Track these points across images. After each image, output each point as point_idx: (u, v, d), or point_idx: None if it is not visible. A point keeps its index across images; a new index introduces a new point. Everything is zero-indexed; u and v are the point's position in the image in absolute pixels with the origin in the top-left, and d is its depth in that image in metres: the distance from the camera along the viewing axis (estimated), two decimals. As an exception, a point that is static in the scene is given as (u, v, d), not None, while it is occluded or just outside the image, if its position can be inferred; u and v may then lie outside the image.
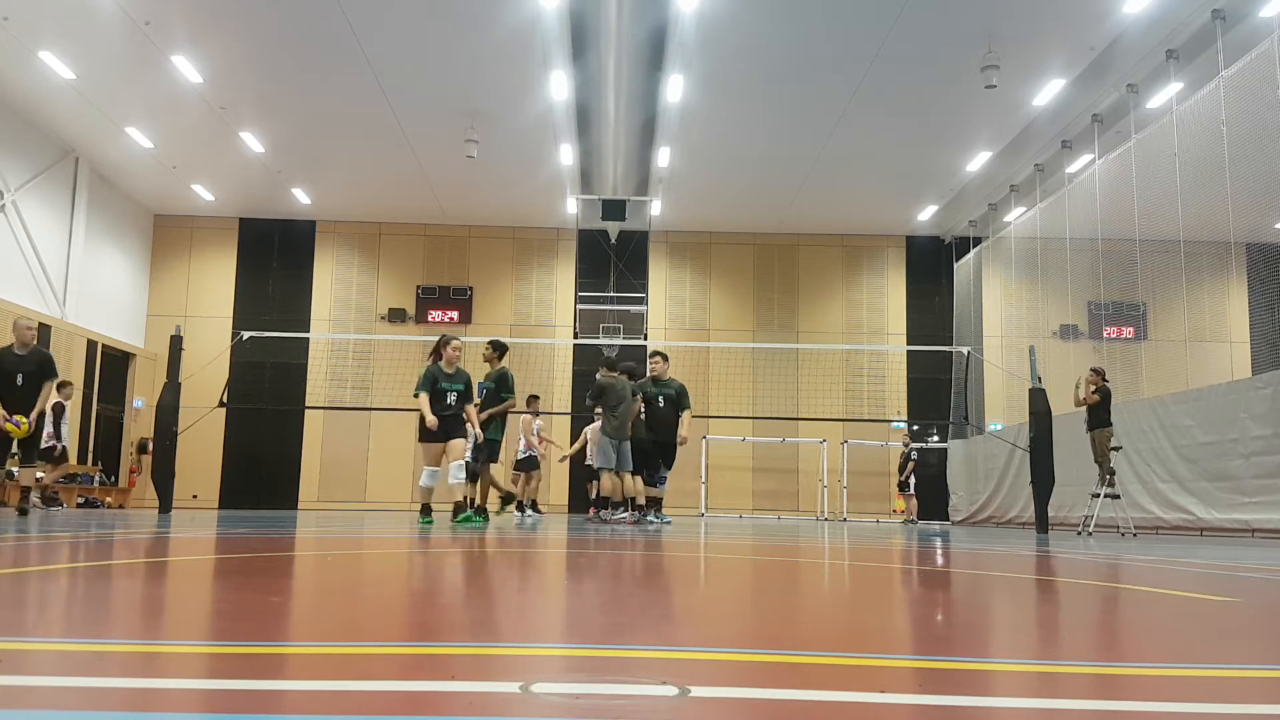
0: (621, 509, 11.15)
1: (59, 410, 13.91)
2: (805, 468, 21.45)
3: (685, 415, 11.20)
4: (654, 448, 11.16)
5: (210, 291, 21.82)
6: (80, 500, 17.91)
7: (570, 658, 1.67)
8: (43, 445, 14.27)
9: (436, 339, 9.57)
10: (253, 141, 17.71)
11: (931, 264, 22.06)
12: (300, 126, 17.38)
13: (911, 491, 18.30)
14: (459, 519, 9.26)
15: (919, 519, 18.61)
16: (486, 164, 17.80)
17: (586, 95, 15.57)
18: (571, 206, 20.27)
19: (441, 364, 9.32)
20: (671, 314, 21.90)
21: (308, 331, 21.02)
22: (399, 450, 20.60)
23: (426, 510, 9.53)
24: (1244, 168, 11.67)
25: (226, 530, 7.20)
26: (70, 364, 18.71)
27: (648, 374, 11.63)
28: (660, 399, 11.22)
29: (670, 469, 11.40)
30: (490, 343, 10.52)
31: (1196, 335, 15.60)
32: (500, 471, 12.75)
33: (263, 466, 21.19)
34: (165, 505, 12.12)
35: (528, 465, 14.50)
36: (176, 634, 1.98)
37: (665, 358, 11.54)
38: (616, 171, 18.47)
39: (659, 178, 18.80)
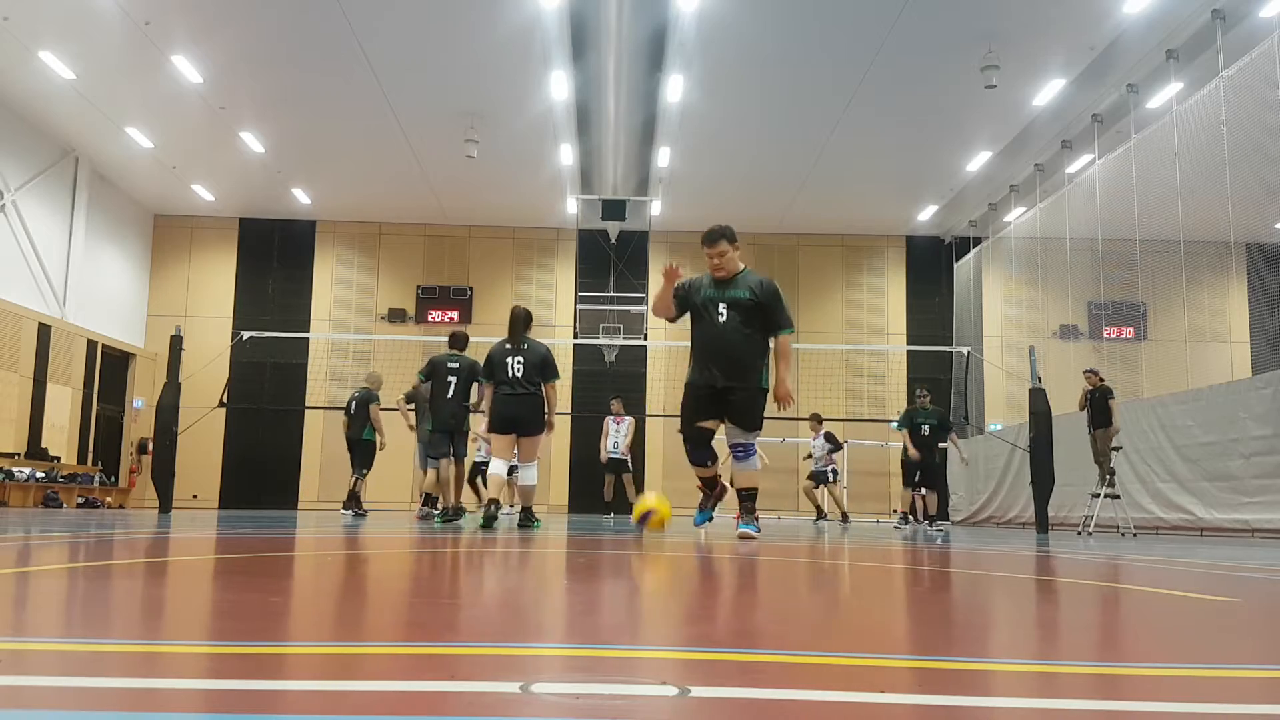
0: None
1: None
2: (805, 467, 21.42)
3: (782, 342, 6.22)
4: (703, 395, 6.22)
5: (210, 291, 21.83)
6: (80, 500, 17.92)
7: (570, 658, 1.67)
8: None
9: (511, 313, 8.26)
10: (253, 141, 17.71)
11: (931, 264, 22.05)
12: (300, 126, 17.38)
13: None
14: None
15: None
16: (486, 164, 17.80)
17: (586, 95, 15.58)
18: (571, 206, 20.26)
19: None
20: (671, 314, 21.86)
21: (308, 331, 21.02)
22: (399, 450, 20.64)
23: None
24: (1244, 168, 11.67)
25: (226, 530, 7.20)
26: (70, 364, 18.72)
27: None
28: (721, 308, 6.26)
29: (749, 429, 6.29)
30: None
31: (1196, 335, 15.60)
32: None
33: (263, 467, 21.19)
34: (165, 505, 12.11)
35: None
36: (176, 634, 1.98)
37: (729, 237, 6.60)
38: (616, 171, 18.47)
39: (659, 178, 18.80)
